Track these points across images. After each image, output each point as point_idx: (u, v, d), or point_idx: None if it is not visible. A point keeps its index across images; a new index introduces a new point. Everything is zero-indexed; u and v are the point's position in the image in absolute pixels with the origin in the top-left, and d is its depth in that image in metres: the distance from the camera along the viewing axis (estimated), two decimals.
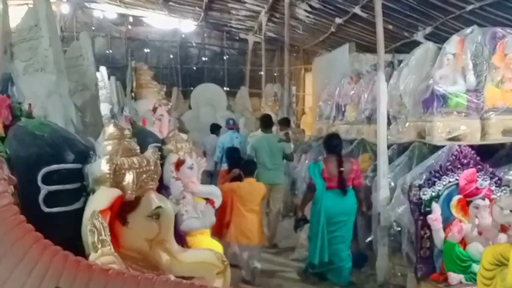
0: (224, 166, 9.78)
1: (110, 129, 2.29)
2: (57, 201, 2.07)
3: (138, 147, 2.33)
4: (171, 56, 19.24)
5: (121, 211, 2.15)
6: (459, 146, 5.66)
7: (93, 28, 18.42)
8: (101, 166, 2.11)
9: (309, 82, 17.21)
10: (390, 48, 12.13)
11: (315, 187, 6.41)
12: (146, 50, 19.09)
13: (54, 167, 2.09)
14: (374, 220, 6.68)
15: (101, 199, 2.06)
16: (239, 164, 7.40)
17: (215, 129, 11.82)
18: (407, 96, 7.11)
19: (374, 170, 7.09)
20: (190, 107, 15.09)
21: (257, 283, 6.62)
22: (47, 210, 2.03)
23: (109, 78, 9.66)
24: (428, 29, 11.11)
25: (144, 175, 2.22)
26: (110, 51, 18.51)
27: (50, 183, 2.07)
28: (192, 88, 16.45)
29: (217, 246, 4.68)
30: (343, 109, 10.11)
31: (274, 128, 10.66)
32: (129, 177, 2.16)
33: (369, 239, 6.92)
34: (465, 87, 6.35)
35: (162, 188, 4.48)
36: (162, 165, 4.48)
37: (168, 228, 2.28)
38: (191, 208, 4.64)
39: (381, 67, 6.79)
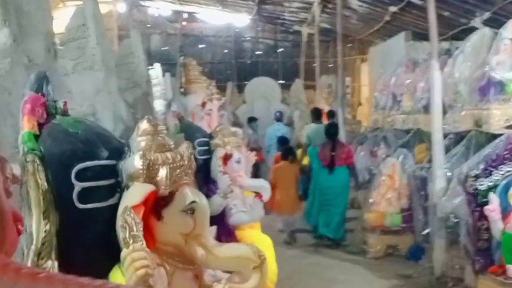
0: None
1: (144, 125, 2.26)
2: (91, 197, 2.05)
3: (172, 142, 2.30)
4: (226, 51, 19.34)
5: (156, 206, 2.13)
6: None
7: (149, 25, 18.69)
8: (135, 162, 2.09)
9: (365, 73, 16.94)
10: (447, 36, 11.78)
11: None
12: (200, 46, 19.24)
13: (88, 163, 2.07)
14: (430, 212, 6.51)
15: (134, 194, 2.05)
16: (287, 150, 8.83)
17: (251, 121, 12.55)
18: (462, 83, 6.87)
19: (431, 160, 6.91)
20: (244, 101, 15.12)
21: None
22: (81, 206, 2.02)
23: (164, 75, 9.76)
24: (486, 15, 10.71)
25: (178, 170, 2.18)
26: (166, 48, 18.74)
27: (84, 179, 2.05)
28: (246, 82, 16.46)
29: (266, 240, 4.65)
30: (399, 99, 9.87)
31: None
32: (162, 172, 2.12)
33: (426, 231, 6.75)
34: None
35: (210, 183, 4.50)
36: (209, 159, 4.51)
37: (203, 223, 2.23)
38: (240, 202, 4.62)
39: (434, 55, 6.60)
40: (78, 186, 2.00)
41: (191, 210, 2.18)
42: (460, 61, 7.09)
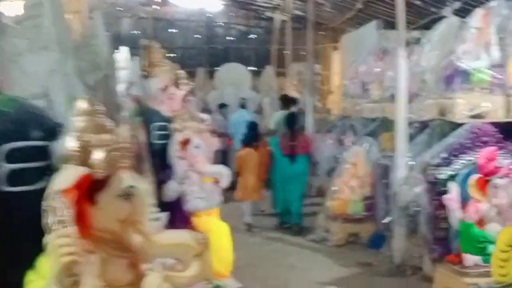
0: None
1: (82, 104, 2.16)
2: (20, 180, 1.97)
3: (112, 124, 2.20)
4: (198, 36, 19.14)
5: (90, 190, 2.02)
6: (481, 124, 5.44)
7: (120, 8, 18.40)
8: (67, 143, 1.99)
9: (337, 61, 16.87)
10: (418, 25, 11.77)
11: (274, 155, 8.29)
12: (172, 30, 19.02)
13: (18, 144, 2.02)
14: (392, 200, 6.52)
15: (65, 177, 1.95)
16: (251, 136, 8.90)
17: (221, 107, 12.61)
18: (429, 72, 6.86)
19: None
20: (214, 88, 14.98)
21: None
22: (8, 189, 1.94)
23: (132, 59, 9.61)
24: (457, 4, 10.70)
25: (115, 153, 2.07)
26: (136, 31, 18.49)
27: (13, 161, 1.96)
28: (218, 68, 16.31)
29: (223, 227, 4.61)
30: (367, 87, 9.83)
31: None
32: (97, 155, 2.01)
33: (387, 219, 6.76)
34: (488, 63, 6.07)
35: (167, 168, 4.43)
36: (167, 144, 4.43)
37: (142, 209, 2.15)
38: (197, 188, 4.56)
39: (401, 43, 6.58)
40: (6, 167, 1.92)
41: (128, 195, 2.08)
42: (427, 50, 7.09)
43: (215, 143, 5.31)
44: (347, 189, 7.31)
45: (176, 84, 6.23)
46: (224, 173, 4.72)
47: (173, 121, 4.54)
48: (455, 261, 4.89)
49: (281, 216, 8.47)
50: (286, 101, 9.87)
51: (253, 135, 8.91)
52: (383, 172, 6.95)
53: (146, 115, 4.65)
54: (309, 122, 10.91)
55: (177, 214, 4.34)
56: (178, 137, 4.47)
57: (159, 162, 4.31)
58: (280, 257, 6.84)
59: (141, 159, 2.29)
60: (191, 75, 13.67)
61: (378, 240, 6.88)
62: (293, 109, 10.45)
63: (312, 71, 12.10)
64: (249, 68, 16.70)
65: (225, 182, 4.73)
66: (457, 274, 4.82)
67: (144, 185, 2.19)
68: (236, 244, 4.82)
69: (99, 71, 6.15)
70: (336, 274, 6.13)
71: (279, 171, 8.33)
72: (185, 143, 4.53)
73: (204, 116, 9.56)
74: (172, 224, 4.31)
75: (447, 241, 5.12)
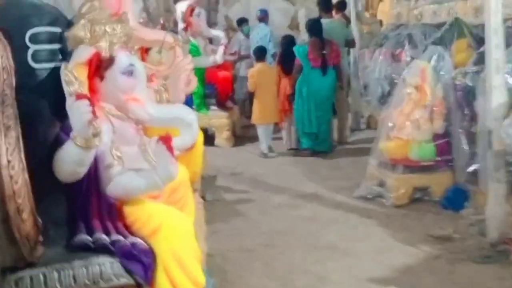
0: None
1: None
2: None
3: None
4: None
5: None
6: None
7: None
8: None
9: None
10: None
11: (302, 67, 7.24)
12: None
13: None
14: (480, 141, 4.31)
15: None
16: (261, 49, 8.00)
17: (241, 23, 10.13)
18: None
19: (478, 62, 4.65)
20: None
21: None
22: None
23: None
24: None
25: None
26: None
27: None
28: None
29: (182, 222, 2.52)
30: None
31: None
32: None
33: (472, 167, 4.57)
34: None
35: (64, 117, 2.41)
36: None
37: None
38: (132, 152, 2.46)
39: None
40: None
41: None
42: None
43: (188, 65, 3.24)
44: (409, 124, 5.04)
45: None
46: (186, 121, 2.59)
47: (75, 22, 2.43)
48: None
49: (309, 141, 7.32)
50: (327, 4, 8.22)
51: (261, 48, 8.04)
52: (463, 98, 4.70)
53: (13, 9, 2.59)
54: (354, 34, 8.69)
55: (93, 201, 2.31)
56: (80, 56, 2.35)
57: (52, 105, 2.34)
58: (310, 228, 4.70)
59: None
60: None
61: (458, 198, 4.73)
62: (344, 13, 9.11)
63: None
64: None
65: (187, 139, 2.64)
66: None
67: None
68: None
69: None
70: (395, 260, 3.95)
71: (308, 85, 7.21)
72: (102, 66, 2.44)
73: (216, 32, 7.61)
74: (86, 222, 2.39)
75: None
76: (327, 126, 7.34)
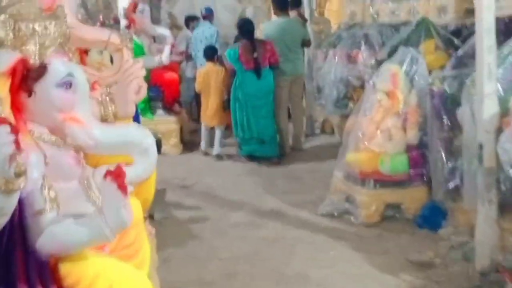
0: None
1: None
2: None
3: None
4: None
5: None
6: None
7: None
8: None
9: None
10: None
11: (235, 71, 7.00)
12: None
13: None
14: (465, 154, 3.89)
15: None
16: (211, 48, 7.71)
17: (189, 21, 9.52)
18: None
19: (457, 66, 4.25)
20: None
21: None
22: None
23: None
24: None
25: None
26: None
27: None
28: None
29: (134, 276, 1.95)
30: None
31: None
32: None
33: (452, 183, 4.14)
34: None
35: None
36: None
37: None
38: (70, 190, 1.87)
39: None
40: None
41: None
42: None
43: (140, 71, 2.64)
44: (380, 134, 4.58)
45: None
46: (143, 146, 2.03)
47: None
48: None
49: (250, 147, 7.04)
50: (281, 2, 7.52)
51: (211, 47, 7.72)
52: (442, 105, 4.25)
53: None
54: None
55: (10, 265, 1.72)
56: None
57: None
58: (275, 252, 4.17)
59: None
60: None
61: (434, 216, 4.30)
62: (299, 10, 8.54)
63: None
64: None
65: (148, 165, 2.07)
66: None
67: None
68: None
69: None
70: None
71: (242, 90, 6.95)
72: (30, 76, 1.90)
73: (161, 30, 7.04)
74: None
75: None
76: (273, 130, 6.94)
